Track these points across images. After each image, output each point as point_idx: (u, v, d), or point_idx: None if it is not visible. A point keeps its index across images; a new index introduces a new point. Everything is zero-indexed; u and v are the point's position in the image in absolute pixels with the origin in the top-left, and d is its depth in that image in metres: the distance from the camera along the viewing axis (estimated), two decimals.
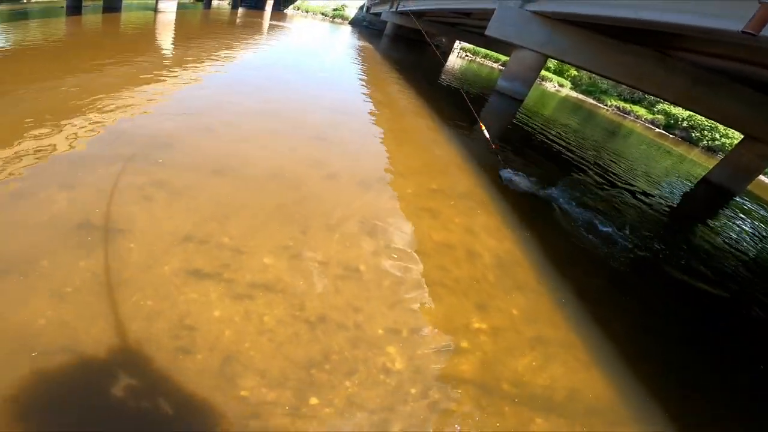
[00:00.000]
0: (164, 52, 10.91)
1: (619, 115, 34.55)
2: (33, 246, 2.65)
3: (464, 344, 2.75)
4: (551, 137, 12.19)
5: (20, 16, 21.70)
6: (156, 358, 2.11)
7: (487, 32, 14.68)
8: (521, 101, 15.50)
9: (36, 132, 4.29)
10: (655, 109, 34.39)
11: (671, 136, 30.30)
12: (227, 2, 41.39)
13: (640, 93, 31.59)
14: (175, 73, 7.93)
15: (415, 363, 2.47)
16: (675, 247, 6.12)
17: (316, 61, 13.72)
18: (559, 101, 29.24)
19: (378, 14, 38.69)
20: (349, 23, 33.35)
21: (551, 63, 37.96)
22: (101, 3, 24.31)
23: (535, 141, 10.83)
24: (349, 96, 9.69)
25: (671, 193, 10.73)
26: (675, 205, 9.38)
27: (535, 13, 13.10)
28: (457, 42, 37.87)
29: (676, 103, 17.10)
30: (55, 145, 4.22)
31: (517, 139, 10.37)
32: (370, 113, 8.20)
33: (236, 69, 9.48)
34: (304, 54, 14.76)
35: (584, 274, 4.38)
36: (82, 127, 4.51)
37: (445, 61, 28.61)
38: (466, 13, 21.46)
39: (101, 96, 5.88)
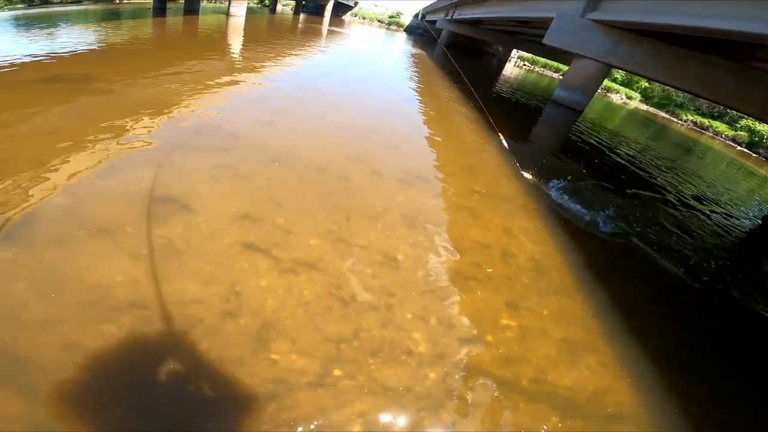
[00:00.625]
0: (235, 53, 11.89)
1: (695, 130, 31.56)
2: (122, 213, 3.12)
3: (489, 338, 2.78)
4: (613, 150, 11.48)
5: (113, 15, 24.65)
6: (206, 318, 2.37)
7: (545, 41, 14.24)
8: (580, 112, 14.79)
9: (130, 123, 4.97)
10: (738, 125, 31.04)
11: (755, 155, 27.08)
12: (290, 8, 43.95)
13: (721, 107, 28.69)
14: (245, 73, 8.66)
15: (438, 349, 2.54)
16: (749, 277, 5.55)
17: (371, 66, 14.18)
18: (627, 114, 27.36)
19: (433, 22, 38.82)
20: (404, 30, 33.79)
21: (618, 73, 35.69)
22: (182, 5, 26.97)
23: (593, 154, 10.29)
24: (399, 99, 9.92)
25: (750, 216, 9.68)
26: (753, 230, 8.46)
27: (596, 21, 12.52)
28: (515, 51, 36.93)
29: (760, 119, 15.38)
30: (141, 133, 4.85)
31: (572, 151, 9.94)
32: (418, 116, 8.36)
33: (298, 71, 10.11)
34: (359, 59, 15.32)
35: (629, 287, 4.15)
36: (169, 119, 5.16)
37: (501, 69, 28.01)
38: (524, 22, 20.95)
39: (183, 93, 6.60)
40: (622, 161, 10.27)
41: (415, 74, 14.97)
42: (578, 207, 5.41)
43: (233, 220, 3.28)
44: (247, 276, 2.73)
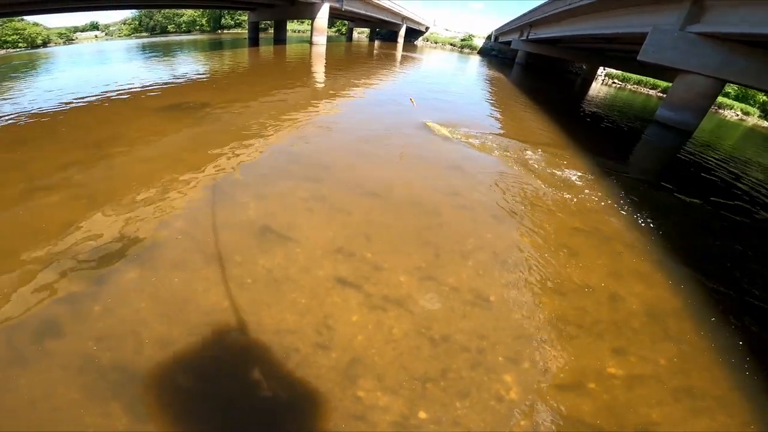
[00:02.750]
0: (320, 81, 12.70)
1: None
2: (231, 242, 3.37)
3: (591, 385, 2.47)
4: (739, 178, 9.70)
5: (216, 45, 28.05)
6: (301, 348, 2.42)
7: (640, 57, 12.91)
8: (690, 133, 12.93)
9: (233, 150, 5.38)
10: None
11: None
12: (365, 35, 46.53)
13: None
14: (331, 100, 9.11)
15: (531, 396, 2.34)
16: None
17: (448, 89, 14.02)
18: (744, 132, 23.64)
19: (507, 43, 37.96)
20: (477, 53, 33.49)
21: (730, 87, 31.34)
22: (272, 35, 29.95)
23: (712, 183, 8.76)
24: (481, 125, 9.56)
25: None
26: None
27: (700, 34, 11.07)
28: (601, 68, 34.46)
29: None
30: (245, 160, 5.21)
31: (685, 180, 8.56)
32: (503, 143, 7.93)
33: (379, 96, 10.34)
34: (435, 83, 15.29)
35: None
36: (268, 146, 5.54)
37: (588, 89, 26.20)
38: (608, 39, 19.42)
39: (278, 121, 7.07)
40: (752, 191, 8.61)
41: (493, 96, 14.54)
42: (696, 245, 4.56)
43: (327, 253, 3.33)
44: (339, 310, 2.73)
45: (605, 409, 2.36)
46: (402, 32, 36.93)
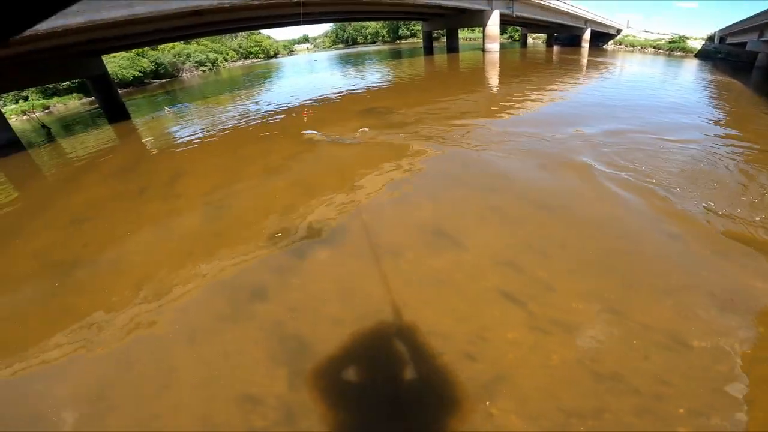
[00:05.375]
0: (494, 87, 12.50)
1: None
2: (405, 240, 3.69)
3: None
4: None
5: (396, 54, 30.90)
6: (447, 353, 2.45)
7: None
8: None
9: (413, 153, 5.89)
10: None
11: None
12: (541, 41, 43.13)
13: None
14: (507, 107, 8.87)
15: None
16: None
17: (661, 99, 10.97)
18: None
19: (741, 44, 29.21)
20: (695, 56, 26.98)
21: None
22: (445, 44, 31.19)
23: None
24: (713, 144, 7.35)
25: None
26: None
27: None
28: None
29: None
30: (420, 164, 5.63)
31: None
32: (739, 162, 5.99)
33: (567, 106, 9.36)
34: (640, 89, 12.36)
35: None
36: (443, 152, 5.84)
37: None
38: None
39: (453, 126, 7.38)
40: None
41: (727, 109, 11.26)
42: None
43: (496, 264, 3.23)
44: (498, 324, 2.64)
45: None
46: (586, 36, 32.96)
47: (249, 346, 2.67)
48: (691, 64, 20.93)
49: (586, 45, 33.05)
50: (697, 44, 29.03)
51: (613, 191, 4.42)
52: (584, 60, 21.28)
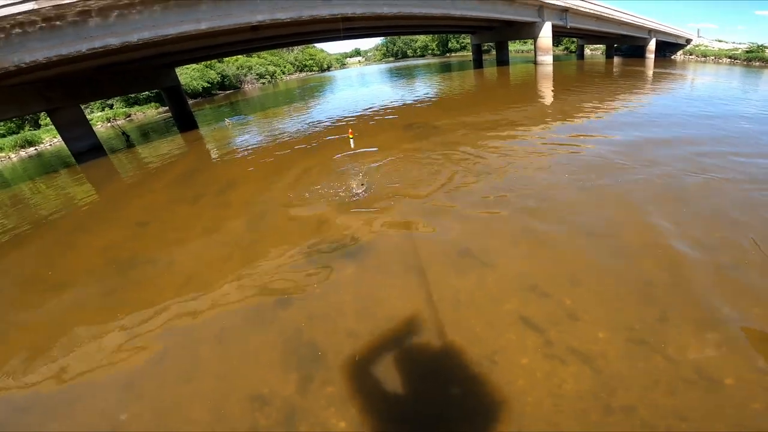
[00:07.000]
0: (547, 101, 11.96)
1: None
2: (430, 257, 3.67)
3: None
4: None
5: (445, 67, 31.03)
6: (455, 374, 2.43)
7: None
8: None
9: (446, 171, 5.86)
10: None
11: None
12: (600, 52, 40.61)
13: None
14: (560, 124, 8.47)
15: None
16: None
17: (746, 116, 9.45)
18: None
19: None
20: None
21: None
22: (494, 57, 30.71)
23: None
24: None
25: None
26: None
27: None
28: None
29: None
30: (458, 182, 5.57)
31: None
32: None
33: (628, 119, 8.76)
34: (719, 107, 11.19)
35: None
36: (480, 177, 5.76)
37: None
38: None
39: (494, 146, 7.22)
40: None
41: None
42: None
43: (519, 289, 3.13)
44: (512, 349, 2.55)
45: None
46: (651, 46, 30.68)
47: (266, 348, 2.88)
48: None
49: (651, 56, 30.87)
50: None
51: (669, 217, 4.03)
52: (649, 72, 19.77)
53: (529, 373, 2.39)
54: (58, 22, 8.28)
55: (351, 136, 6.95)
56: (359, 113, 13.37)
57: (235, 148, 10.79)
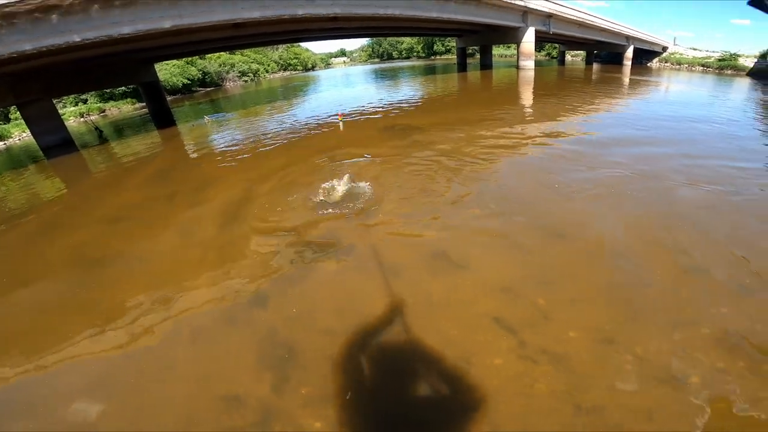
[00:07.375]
0: (527, 106, 12.22)
1: None
2: (407, 260, 3.63)
3: None
4: None
5: (430, 69, 31.23)
6: (426, 377, 2.45)
7: None
8: None
9: (445, 177, 5.85)
10: None
11: None
12: (580, 58, 41.75)
13: None
14: (539, 129, 8.60)
15: None
16: None
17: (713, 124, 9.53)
18: None
19: None
20: (747, 74, 25.32)
21: None
22: (479, 61, 31.09)
23: None
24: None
25: None
26: None
27: None
28: None
29: None
30: (452, 189, 5.57)
31: None
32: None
33: (603, 125, 8.99)
34: (690, 113, 11.41)
35: None
36: (460, 178, 5.76)
37: None
38: None
39: (482, 149, 7.28)
40: None
41: None
42: None
43: (492, 290, 3.14)
44: (485, 350, 2.56)
45: None
46: (628, 53, 31.76)
47: (241, 350, 2.82)
48: (743, 83, 19.56)
49: (628, 63, 31.90)
50: (749, 62, 27.49)
51: (634, 219, 4.17)
52: (626, 79, 20.42)
53: (502, 373, 2.41)
54: (37, 14, 7.93)
55: (340, 119, 6.88)
56: (346, 113, 13.31)
57: (213, 145, 10.53)
